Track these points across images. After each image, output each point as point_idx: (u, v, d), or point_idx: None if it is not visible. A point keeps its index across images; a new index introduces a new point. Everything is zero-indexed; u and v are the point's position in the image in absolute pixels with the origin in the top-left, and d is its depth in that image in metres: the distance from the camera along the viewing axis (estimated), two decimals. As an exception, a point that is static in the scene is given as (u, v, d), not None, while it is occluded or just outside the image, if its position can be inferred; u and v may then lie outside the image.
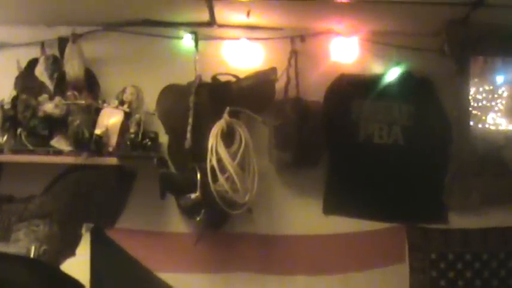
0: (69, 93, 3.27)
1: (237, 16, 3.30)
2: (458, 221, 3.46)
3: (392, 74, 3.42)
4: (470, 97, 3.49)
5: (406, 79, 3.44)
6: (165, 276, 3.30)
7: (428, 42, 3.41)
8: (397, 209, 3.42)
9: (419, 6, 3.11)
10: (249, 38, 3.37)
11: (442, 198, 3.45)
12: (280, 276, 3.34)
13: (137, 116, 3.23)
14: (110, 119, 3.21)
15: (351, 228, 3.40)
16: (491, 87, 3.58)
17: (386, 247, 3.42)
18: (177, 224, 3.36)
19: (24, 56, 3.37)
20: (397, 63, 3.41)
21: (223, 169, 3.10)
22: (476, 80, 3.53)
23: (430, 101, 3.48)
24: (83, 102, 3.23)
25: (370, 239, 3.40)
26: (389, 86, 3.44)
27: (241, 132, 3.17)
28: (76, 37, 3.32)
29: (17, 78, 3.35)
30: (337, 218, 3.41)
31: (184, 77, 3.32)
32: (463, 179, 3.44)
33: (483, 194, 3.45)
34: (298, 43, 3.39)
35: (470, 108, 3.49)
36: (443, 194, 3.45)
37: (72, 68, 3.29)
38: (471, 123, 3.47)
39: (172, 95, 3.31)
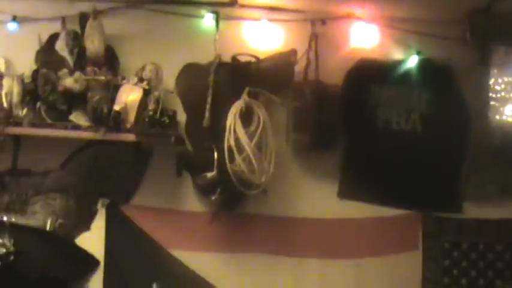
0: (88, 69, 3.27)
1: (259, -3, 3.31)
2: (473, 211, 3.44)
3: (412, 60, 3.40)
4: (489, 87, 3.48)
5: (426, 66, 3.42)
6: (178, 253, 3.32)
7: (449, 30, 3.38)
8: (412, 196, 3.41)
9: (442, -8, 3.11)
10: (270, 19, 3.36)
11: (458, 187, 3.43)
12: (293, 259, 3.35)
13: (156, 93, 3.23)
14: (129, 96, 3.22)
15: (365, 214, 3.40)
16: (510, 79, 3.56)
17: (400, 234, 3.42)
18: (192, 202, 3.36)
19: (45, 30, 3.38)
20: (418, 50, 3.38)
21: (240, 149, 3.09)
22: (495, 70, 3.50)
23: (449, 89, 3.45)
24: (103, 78, 3.23)
25: (384, 225, 3.40)
26: (409, 72, 3.41)
27: (260, 113, 3.16)
28: (97, 13, 3.31)
29: (38, 52, 3.35)
30: (351, 202, 3.40)
31: (204, 56, 3.31)
32: (480, 169, 3.43)
33: (499, 185, 3.43)
34: (319, 26, 3.36)
35: (490, 99, 3.49)
36: (459, 183, 3.43)
37: (93, 44, 3.29)
38: (489, 113, 3.46)
39: (191, 73, 3.30)
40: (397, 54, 3.43)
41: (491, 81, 3.48)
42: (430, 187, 3.42)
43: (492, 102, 3.47)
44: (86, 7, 3.35)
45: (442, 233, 3.44)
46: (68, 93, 3.21)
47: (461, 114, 3.44)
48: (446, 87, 3.46)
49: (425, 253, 3.41)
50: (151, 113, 3.19)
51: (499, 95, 3.52)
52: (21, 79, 3.27)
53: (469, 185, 3.44)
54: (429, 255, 3.42)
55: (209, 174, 3.18)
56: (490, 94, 3.47)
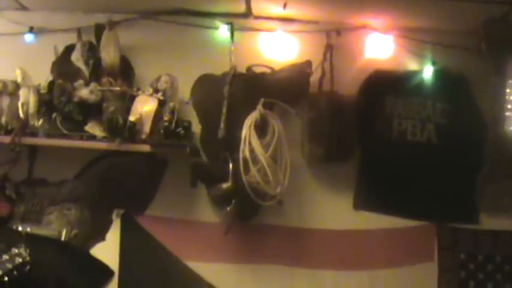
0: (104, 79, 3.29)
1: (273, 8, 3.30)
2: (489, 222, 3.41)
3: (427, 71, 3.39)
4: (504, 98, 3.46)
5: (441, 77, 3.41)
6: (193, 264, 3.31)
7: (464, 40, 3.37)
8: (427, 207, 3.39)
9: (457, 3, 3.08)
10: (284, 31, 3.37)
11: (474, 198, 3.41)
12: (308, 270, 3.33)
13: (171, 104, 3.23)
14: (144, 107, 3.22)
15: (380, 225, 3.37)
16: (526, 90, 3.54)
17: (415, 245, 3.38)
18: (207, 213, 3.36)
19: (61, 41, 3.41)
20: (433, 61, 3.37)
21: (255, 160, 3.09)
22: (511, 81, 3.48)
23: (465, 99, 3.43)
24: (118, 89, 3.25)
25: (400, 236, 3.37)
26: (424, 83, 3.40)
27: (275, 124, 3.16)
28: (113, 24, 3.34)
29: (54, 63, 3.38)
30: (367, 213, 3.39)
31: (219, 68, 3.32)
32: (496, 180, 3.39)
33: (516, 197, 3.42)
34: (334, 37, 3.37)
35: (506, 110, 3.47)
36: (475, 194, 3.41)
37: (108, 55, 3.31)
38: (505, 124, 3.44)
39: (207, 84, 3.32)
40: (412, 65, 3.43)
41: (507, 92, 3.46)
42: (446, 198, 3.40)
43: (508, 113, 3.43)
44: (101, 18, 3.37)
45: (457, 245, 3.40)
46: (84, 104, 3.22)
47: (476, 124, 3.42)
48: (461, 98, 3.45)
49: (441, 265, 3.38)
50: (166, 123, 3.19)
51: (515, 106, 3.52)
52: (37, 90, 3.29)
53: (485, 196, 3.41)
54: (445, 267, 3.38)
55: (224, 185, 3.18)
56: (506, 105, 3.45)
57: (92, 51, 3.37)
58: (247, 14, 3.40)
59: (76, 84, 3.25)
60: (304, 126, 3.33)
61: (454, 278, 3.38)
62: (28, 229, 3.17)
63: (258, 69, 3.35)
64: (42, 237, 3.10)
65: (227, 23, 3.36)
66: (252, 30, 3.41)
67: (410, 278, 3.35)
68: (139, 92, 3.28)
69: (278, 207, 3.25)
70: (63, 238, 3.19)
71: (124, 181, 3.30)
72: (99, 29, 3.37)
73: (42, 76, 3.34)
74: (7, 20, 3.46)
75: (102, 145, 3.20)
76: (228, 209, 3.20)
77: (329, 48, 3.35)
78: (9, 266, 2.68)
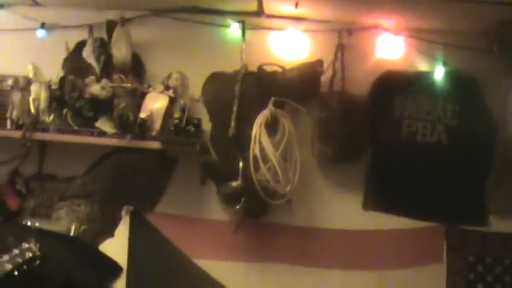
0: (115, 76, 3.29)
1: (285, 6, 3.29)
2: (498, 224, 3.40)
3: (438, 72, 3.38)
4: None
5: (452, 78, 3.39)
6: (201, 262, 3.32)
7: (476, 42, 3.36)
8: (437, 209, 3.38)
9: (469, 4, 3.06)
10: (296, 29, 3.36)
11: (483, 200, 3.40)
12: (316, 269, 3.33)
13: (182, 101, 3.24)
14: (155, 104, 3.23)
15: (389, 225, 3.37)
16: (538, 91, 3.52)
17: (424, 246, 3.38)
18: (216, 211, 3.37)
19: (73, 37, 3.42)
20: (444, 62, 3.36)
21: (265, 159, 3.09)
22: (523, 83, 3.49)
23: (475, 101, 3.42)
24: (129, 85, 3.25)
25: (408, 237, 3.37)
26: (435, 84, 3.39)
27: (285, 123, 3.16)
28: (124, 21, 3.35)
29: (65, 59, 3.39)
30: (376, 214, 3.38)
31: (230, 66, 3.32)
32: (506, 182, 3.38)
33: (526, 199, 3.41)
34: (346, 37, 3.36)
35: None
36: (485, 196, 3.40)
37: (120, 52, 3.32)
38: (516, 126, 3.44)
39: (218, 82, 3.32)
40: (423, 66, 3.42)
41: (518, 93, 3.47)
42: (455, 199, 3.40)
43: (519, 115, 3.46)
44: (113, 15, 3.39)
45: (466, 246, 3.40)
46: (95, 100, 3.23)
47: (487, 126, 3.41)
48: (472, 99, 3.44)
49: (450, 266, 3.37)
50: (176, 121, 3.20)
51: (525, 108, 3.50)
52: (48, 85, 3.30)
53: (495, 197, 3.40)
54: (453, 269, 3.38)
55: (234, 183, 3.19)
56: (517, 106, 3.47)
57: (104, 48, 3.38)
58: (259, 12, 3.38)
59: (87, 80, 3.26)
60: (314, 126, 3.33)
61: (462, 280, 3.37)
62: (37, 224, 3.18)
63: (269, 68, 3.34)
64: (52, 232, 3.10)
65: (239, 21, 3.35)
66: (264, 29, 3.40)
67: (419, 279, 3.35)
68: (150, 89, 3.28)
69: (287, 206, 3.25)
70: (72, 234, 3.19)
71: (134, 178, 3.30)
72: (110, 26, 3.38)
73: (54, 72, 3.34)
74: (19, 16, 3.46)
75: (113, 141, 3.20)
76: (238, 207, 3.20)
77: (340, 47, 3.35)
78: (20, 260, 2.67)
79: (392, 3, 3.15)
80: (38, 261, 2.77)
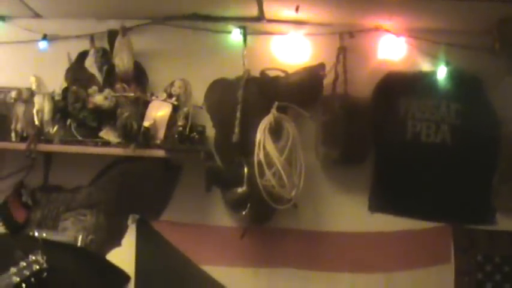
0: (118, 85, 3.30)
1: (285, 11, 3.29)
2: (505, 222, 3.37)
3: (440, 72, 3.37)
4: (519, 97, 3.44)
5: (454, 77, 3.38)
6: (208, 269, 3.31)
7: (478, 41, 3.35)
8: (443, 209, 3.36)
9: (470, 3, 3.05)
10: (297, 33, 3.36)
11: (489, 199, 3.38)
12: (323, 273, 3.32)
13: (185, 109, 3.24)
14: (158, 112, 3.23)
15: (396, 227, 3.35)
16: (540, 88, 3.51)
17: (431, 247, 3.36)
18: (222, 217, 3.36)
19: (75, 48, 3.43)
20: (446, 61, 3.35)
21: (270, 164, 3.09)
22: (525, 80, 3.48)
23: (479, 99, 3.41)
24: (132, 94, 3.26)
25: (416, 238, 3.35)
26: (438, 84, 3.39)
27: (289, 127, 3.16)
28: (125, 30, 3.36)
29: (68, 70, 3.41)
30: (382, 216, 3.37)
31: (232, 72, 3.32)
32: (511, 180, 3.39)
33: (532, 196, 3.39)
34: (347, 39, 3.36)
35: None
36: (491, 195, 3.38)
37: (122, 61, 3.32)
38: (520, 123, 3.42)
39: (220, 89, 3.32)
40: (425, 66, 3.41)
41: (520, 91, 3.46)
42: (462, 199, 3.38)
43: (522, 112, 3.45)
44: (114, 25, 3.39)
45: (474, 246, 3.37)
46: (98, 110, 3.23)
47: (490, 124, 3.39)
48: (475, 98, 3.43)
49: (458, 266, 3.35)
50: (180, 128, 3.19)
51: (528, 105, 3.49)
52: (51, 97, 3.31)
53: (501, 196, 3.38)
54: (461, 269, 3.35)
55: (239, 189, 3.18)
56: (520, 104, 3.45)
57: (106, 58, 3.39)
58: (260, 17, 3.39)
59: (90, 90, 3.27)
60: (318, 129, 3.32)
61: (471, 279, 3.35)
62: (44, 235, 3.19)
63: (271, 73, 3.35)
64: (59, 243, 3.11)
65: (240, 27, 3.36)
66: (265, 34, 3.41)
67: (427, 280, 3.33)
68: (153, 98, 3.29)
69: (293, 210, 3.25)
70: (79, 244, 3.20)
71: (139, 187, 3.31)
72: (112, 35, 3.39)
73: (57, 83, 3.36)
74: (21, 28, 3.48)
75: (117, 151, 3.21)
76: (244, 213, 3.20)
77: (342, 50, 3.35)
78: (27, 273, 2.69)
79: (392, 4, 3.15)
80: (45, 273, 2.79)
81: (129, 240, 3.31)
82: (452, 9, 3.15)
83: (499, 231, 3.37)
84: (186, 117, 3.23)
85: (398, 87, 3.40)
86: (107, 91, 3.26)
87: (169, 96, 3.27)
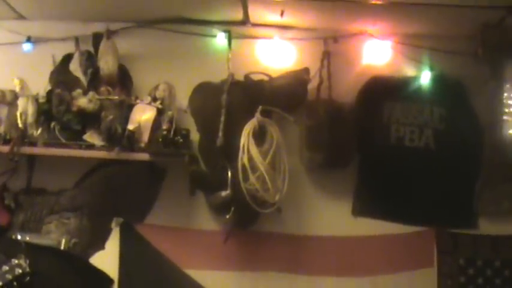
0: (102, 88, 3.29)
1: (270, 15, 3.31)
2: (488, 227, 3.41)
3: (424, 77, 3.40)
4: (502, 102, 3.46)
5: (438, 82, 3.42)
6: (192, 272, 3.31)
7: (461, 46, 3.38)
8: (426, 213, 3.39)
9: (454, 9, 3.09)
10: (282, 38, 3.38)
11: (472, 203, 3.42)
12: (307, 277, 3.33)
13: (169, 112, 3.24)
14: (143, 115, 3.23)
15: (379, 231, 3.38)
16: (523, 93, 3.55)
17: (414, 251, 3.39)
18: (206, 221, 3.37)
19: (59, 51, 3.42)
20: (430, 66, 3.39)
21: (254, 168, 3.10)
22: (508, 85, 3.46)
23: (462, 104, 3.44)
24: (116, 97, 3.25)
25: (399, 242, 3.37)
26: (422, 88, 3.41)
27: (273, 131, 3.17)
28: (110, 33, 3.36)
29: (52, 72, 3.39)
30: (366, 220, 3.39)
31: (217, 75, 3.32)
32: (494, 185, 3.40)
33: (514, 201, 3.43)
34: (331, 44, 3.38)
35: (503, 114, 3.48)
36: (474, 199, 3.42)
37: (106, 64, 3.32)
38: (502, 129, 3.45)
39: (204, 92, 3.32)
40: (409, 71, 3.44)
41: (504, 96, 3.46)
42: (445, 203, 3.41)
43: (505, 117, 3.44)
44: (99, 27, 3.39)
45: (457, 250, 3.41)
46: (82, 113, 3.23)
47: (474, 129, 3.43)
48: (458, 103, 3.46)
49: (440, 270, 3.39)
50: (165, 132, 3.19)
51: (511, 110, 3.52)
52: (35, 99, 3.29)
53: (484, 200, 3.42)
54: (444, 272, 3.39)
55: (223, 193, 3.19)
56: (503, 109, 3.46)
57: (90, 60, 3.38)
58: (245, 21, 3.40)
59: (74, 93, 3.26)
60: (302, 134, 3.33)
61: (453, 283, 3.39)
62: (27, 238, 3.17)
63: (255, 77, 3.35)
64: (42, 246, 3.07)
65: (225, 31, 3.37)
66: (250, 38, 3.42)
67: (410, 283, 3.36)
68: (138, 101, 3.29)
69: (277, 214, 3.26)
70: (62, 247, 3.17)
71: (123, 190, 3.28)
72: (97, 38, 3.38)
73: (41, 85, 3.34)
74: (5, 30, 3.46)
75: (101, 154, 3.19)
76: (227, 216, 3.20)
77: (327, 55, 3.36)
78: (9, 277, 2.67)
79: (377, 10, 3.17)
80: (28, 277, 2.77)
81: (113, 243, 3.29)
82: (436, 15, 3.18)
83: (481, 235, 3.41)
84: (171, 121, 3.23)
85: (382, 91, 3.43)
86: (91, 94, 3.25)
87: (154, 99, 3.27)
